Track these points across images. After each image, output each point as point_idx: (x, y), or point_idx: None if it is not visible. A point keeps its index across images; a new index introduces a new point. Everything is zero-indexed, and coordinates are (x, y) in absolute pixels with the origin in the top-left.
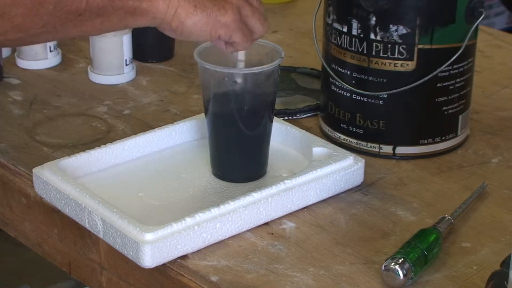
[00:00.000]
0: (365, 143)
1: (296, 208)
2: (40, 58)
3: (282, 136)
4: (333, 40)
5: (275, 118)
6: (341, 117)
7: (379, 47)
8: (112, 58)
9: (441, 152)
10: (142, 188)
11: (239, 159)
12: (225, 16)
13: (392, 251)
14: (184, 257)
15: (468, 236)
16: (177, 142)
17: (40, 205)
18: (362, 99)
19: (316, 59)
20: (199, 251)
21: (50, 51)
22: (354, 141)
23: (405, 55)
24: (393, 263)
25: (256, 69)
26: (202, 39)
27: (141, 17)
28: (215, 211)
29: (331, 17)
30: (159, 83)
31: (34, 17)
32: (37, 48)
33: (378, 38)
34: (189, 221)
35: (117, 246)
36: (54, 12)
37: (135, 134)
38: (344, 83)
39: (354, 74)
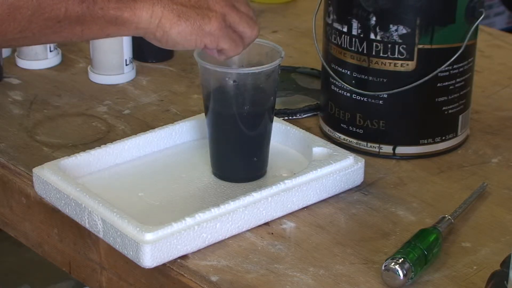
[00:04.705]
0: (365, 143)
1: (296, 208)
2: (40, 58)
3: (282, 136)
4: (333, 40)
5: (275, 118)
6: (341, 117)
7: (379, 47)
8: (112, 58)
9: (441, 152)
10: (142, 188)
11: (239, 159)
12: (209, 25)
13: (392, 251)
14: (184, 257)
15: (468, 236)
16: (177, 142)
17: (40, 205)
18: (362, 99)
19: (316, 59)
20: (199, 251)
21: (50, 51)
22: (354, 141)
23: (405, 55)
24: (393, 263)
25: (256, 69)
26: (188, 48)
27: (123, 26)
28: (215, 211)
29: (331, 17)
30: (159, 83)
31: (11, 22)
32: (37, 48)
33: (378, 38)
34: (189, 221)
35: (117, 246)
36: (32, 18)
37: (135, 134)
38: (344, 83)
39: (354, 74)
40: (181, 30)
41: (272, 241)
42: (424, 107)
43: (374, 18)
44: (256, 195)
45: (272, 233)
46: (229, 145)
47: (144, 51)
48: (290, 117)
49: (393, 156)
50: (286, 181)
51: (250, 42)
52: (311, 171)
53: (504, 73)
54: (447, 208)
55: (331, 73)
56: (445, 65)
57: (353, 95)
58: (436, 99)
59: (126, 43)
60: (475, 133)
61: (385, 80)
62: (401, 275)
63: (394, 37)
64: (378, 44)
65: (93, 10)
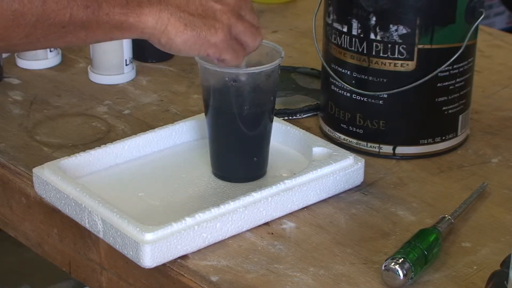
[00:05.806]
0: (365, 143)
1: (296, 208)
2: (40, 58)
3: (282, 136)
4: (333, 40)
5: (275, 118)
6: (341, 117)
7: (379, 47)
8: (112, 58)
9: (441, 152)
10: (142, 188)
11: (239, 159)
12: (214, 36)
13: (392, 251)
14: (184, 257)
15: (468, 236)
16: (177, 142)
17: (40, 205)
18: (362, 99)
19: (316, 59)
20: (199, 251)
21: (50, 51)
22: (354, 141)
23: (405, 55)
24: (393, 263)
25: (256, 69)
26: (191, 55)
27: (128, 31)
28: (215, 211)
29: (331, 17)
30: (159, 83)
31: (16, 28)
32: None
33: (378, 38)
34: (189, 221)
35: (117, 246)
36: (36, 24)
37: (135, 134)
38: (344, 83)
39: (354, 74)
40: (186, 39)
41: (272, 241)
42: (424, 107)
43: (374, 18)
44: (256, 195)
45: (272, 233)
46: (229, 145)
47: (144, 51)
48: (290, 117)
49: (393, 156)
50: (286, 181)
51: (251, 51)
52: (311, 171)
53: (504, 73)
54: (447, 208)
55: (331, 73)
56: (445, 65)
57: (353, 95)
58: (436, 99)
59: (126, 43)
60: (475, 133)
61: (385, 80)
62: (401, 275)
63: (394, 37)
64: (378, 44)
65: (98, 15)
